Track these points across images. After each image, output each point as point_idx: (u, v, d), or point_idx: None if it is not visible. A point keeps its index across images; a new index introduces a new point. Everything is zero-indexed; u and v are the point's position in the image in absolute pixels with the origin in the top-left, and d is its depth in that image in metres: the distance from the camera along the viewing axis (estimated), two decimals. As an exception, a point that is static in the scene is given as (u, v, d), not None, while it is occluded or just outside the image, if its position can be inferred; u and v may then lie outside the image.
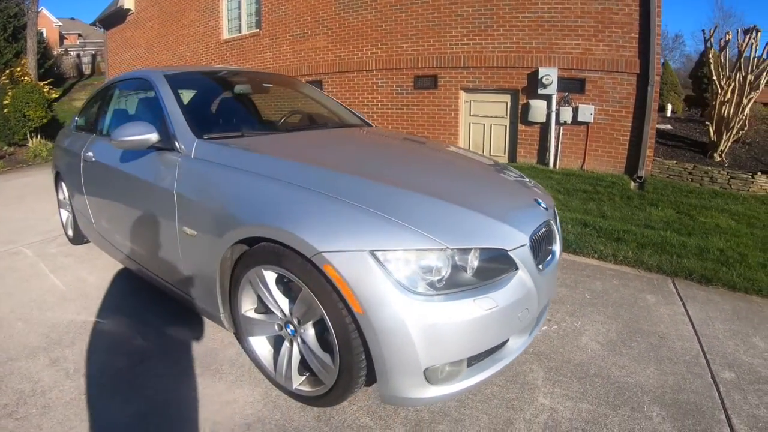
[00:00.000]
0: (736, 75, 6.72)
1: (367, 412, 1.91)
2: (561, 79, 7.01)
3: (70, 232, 4.00)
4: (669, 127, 9.01)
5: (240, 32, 10.84)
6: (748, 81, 6.64)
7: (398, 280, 1.48)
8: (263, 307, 1.96)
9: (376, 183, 1.80)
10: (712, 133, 7.24)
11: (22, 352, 2.36)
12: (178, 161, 2.23)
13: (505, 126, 7.76)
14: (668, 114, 10.38)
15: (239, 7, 10.75)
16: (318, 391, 1.81)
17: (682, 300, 3.17)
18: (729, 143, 7.18)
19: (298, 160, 2.05)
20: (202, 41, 11.49)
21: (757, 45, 6.41)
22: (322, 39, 9.24)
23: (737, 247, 4.39)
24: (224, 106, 3.21)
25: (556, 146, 7.33)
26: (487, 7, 7.27)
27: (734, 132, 7.06)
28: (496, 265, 1.63)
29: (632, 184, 6.77)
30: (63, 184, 3.92)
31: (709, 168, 6.97)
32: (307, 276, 1.62)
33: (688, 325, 2.81)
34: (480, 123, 7.96)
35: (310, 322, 1.76)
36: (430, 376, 1.55)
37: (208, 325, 2.60)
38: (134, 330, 2.57)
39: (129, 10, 13.14)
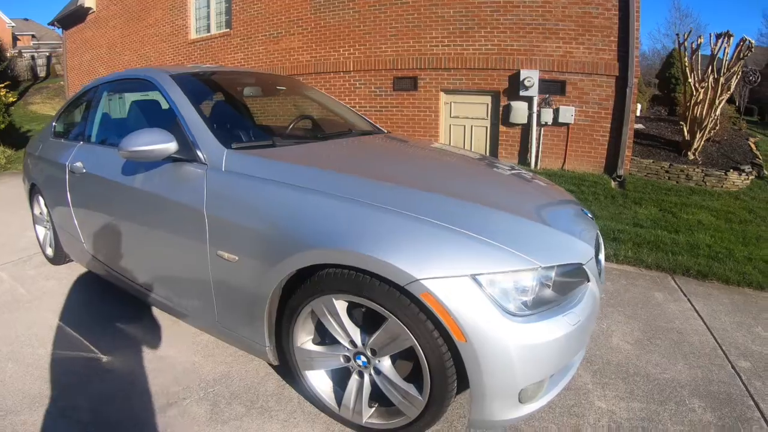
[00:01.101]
0: (708, 77, 6.90)
1: None
2: (542, 81, 7.05)
3: (49, 252, 3.64)
4: (641, 126, 9.21)
5: (209, 32, 10.47)
6: (720, 83, 6.82)
7: (500, 304, 1.42)
8: (323, 338, 1.84)
9: (456, 200, 1.70)
10: (686, 133, 7.44)
11: (20, 402, 2.03)
12: (205, 175, 1.97)
13: (486, 127, 7.75)
14: (638, 113, 10.64)
15: (208, 6, 10.37)
16: (395, 423, 1.71)
17: (686, 296, 3.33)
18: (702, 142, 7.38)
19: (358, 175, 1.86)
20: (168, 41, 11.04)
21: (729, 49, 6.60)
22: (297, 39, 9.01)
23: (722, 242, 4.60)
24: (242, 111, 2.96)
25: (537, 147, 7.37)
26: (468, 9, 7.23)
27: (707, 131, 7.26)
28: (573, 279, 1.61)
29: (613, 183, 6.88)
30: (40, 198, 3.53)
31: (685, 166, 7.16)
32: (395, 305, 1.49)
33: (698, 319, 2.95)
34: (461, 124, 7.93)
35: (389, 353, 1.64)
36: (522, 395, 1.51)
37: (236, 356, 2.38)
38: (152, 365, 2.30)
39: (90, 8, 12.47)
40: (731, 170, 7.04)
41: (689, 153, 7.43)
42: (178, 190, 2.05)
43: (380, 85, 8.26)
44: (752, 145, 9.03)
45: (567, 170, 7.27)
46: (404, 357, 1.66)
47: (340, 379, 1.85)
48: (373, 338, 1.63)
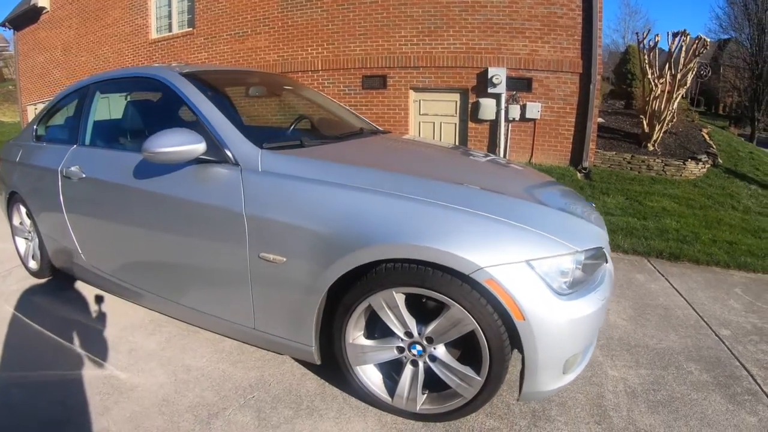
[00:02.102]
0: (666, 73, 7.22)
1: (486, 415, 1.93)
2: (509, 79, 7.22)
3: (33, 265, 3.41)
4: (602, 120, 9.54)
5: (171, 31, 10.19)
6: (677, 79, 7.15)
7: (550, 285, 1.56)
8: (371, 333, 1.89)
9: (498, 195, 1.82)
10: (645, 126, 7.76)
11: (37, 430, 1.88)
12: (241, 176, 1.93)
13: (455, 124, 7.88)
14: (598, 107, 11.00)
15: (169, 5, 10.09)
16: (450, 407, 1.78)
17: (664, 276, 3.63)
18: (660, 134, 7.72)
19: (399, 173, 1.92)
20: (128, 41, 10.68)
21: (685, 46, 6.91)
22: (264, 38, 8.89)
23: (688, 226, 4.96)
24: (257, 110, 2.91)
25: (506, 142, 7.54)
26: (437, 8, 7.32)
27: (665, 124, 7.60)
28: (596, 261, 1.75)
29: (579, 175, 7.13)
30: (21, 207, 3.33)
31: (645, 157, 7.48)
32: (458, 293, 1.59)
33: (678, 296, 3.28)
34: (430, 121, 8.03)
35: (448, 340, 1.72)
36: (565, 366, 1.66)
37: (264, 360, 2.35)
38: (180, 378, 2.21)
39: (43, 8, 11.88)
40: (689, 160, 7.40)
41: (649, 144, 7.76)
42: (206, 192, 2.00)
43: (349, 84, 8.26)
44: (705, 136, 9.49)
45: (534, 163, 7.48)
46: (452, 344, 1.76)
47: (389, 371, 1.91)
48: (432, 327, 1.70)
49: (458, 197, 1.70)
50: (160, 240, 2.28)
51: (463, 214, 1.61)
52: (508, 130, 7.48)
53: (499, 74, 7.11)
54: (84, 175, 2.57)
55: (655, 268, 3.79)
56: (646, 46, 7.37)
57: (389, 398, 1.88)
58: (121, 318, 2.79)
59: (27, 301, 3.10)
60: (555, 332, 1.56)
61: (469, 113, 7.64)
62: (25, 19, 12.58)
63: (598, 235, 1.84)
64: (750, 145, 13.30)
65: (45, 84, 12.56)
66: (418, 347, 1.75)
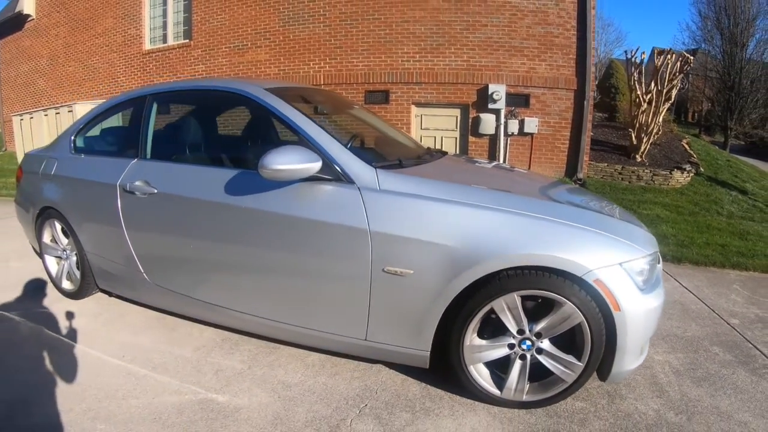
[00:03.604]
0: (653, 89, 7.87)
1: (573, 399, 2.26)
2: (508, 95, 7.78)
3: (68, 285, 3.34)
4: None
5: (165, 42, 10.39)
6: (663, 94, 7.82)
7: (635, 282, 1.95)
8: (485, 332, 2.12)
9: (585, 210, 2.23)
10: (633, 138, 8.41)
11: None
12: (360, 194, 2.09)
13: (456, 138, 8.38)
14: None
15: (164, 16, 10.31)
16: (551, 392, 2.10)
17: (672, 277, 4.17)
18: (647, 146, 8.38)
19: (498, 190, 2.29)
20: (119, 51, 10.81)
21: (670, 63, 7.59)
22: (264, 52, 9.21)
23: (682, 231, 5.61)
24: (344, 129, 3.01)
25: (505, 155, 8.07)
26: (439, 26, 7.83)
27: (652, 136, 8.27)
28: (655, 262, 2.13)
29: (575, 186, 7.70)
30: (56, 224, 3.26)
31: (635, 168, 8.12)
32: (569, 292, 1.93)
33: (689, 293, 3.80)
34: (431, 136, 8.49)
35: (556, 334, 2.03)
36: (641, 349, 2.08)
37: (359, 369, 2.48)
38: (284, 395, 2.27)
39: (29, 16, 11.89)
40: (675, 169, 8.07)
41: (637, 156, 8.42)
42: (320, 209, 2.12)
43: (352, 99, 8.66)
44: (686, 146, 10.25)
45: (533, 176, 8.02)
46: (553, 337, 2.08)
47: (494, 367, 2.18)
48: (543, 323, 2.01)
49: (557, 212, 2.08)
50: (257, 256, 2.35)
51: (567, 227, 1.98)
52: (507, 144, 8.01)
53: (499, 90, 7.65)
54: (156, 191, 2.59)
55: (663, 270, 4.34)
56: (634, 64, 8.01)
57: (498, 392, 2.13)
58: (189, 339, 2.81)
59: (73, 326, 2.98)
60: (638, 321, 1.94)
61: (469, 128, 8.15)
62: (8, 26, 12.53)
63: (653, 240, 2.25)
64: (725, 153, 14.25)
65: (29, 94, 12.53)
66: (528, 342, 2.06)
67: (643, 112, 8.13)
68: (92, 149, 3.30)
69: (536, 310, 2.07)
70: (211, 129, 3.15)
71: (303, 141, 2.26)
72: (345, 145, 2.25)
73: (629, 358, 2.02)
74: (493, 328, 2.11)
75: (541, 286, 1.95)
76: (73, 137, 3.30)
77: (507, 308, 2.00)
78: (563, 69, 7.57)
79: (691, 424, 2.12)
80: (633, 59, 7.96)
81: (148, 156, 2.80)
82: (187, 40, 10.01)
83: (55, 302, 3.31)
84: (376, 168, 2.17)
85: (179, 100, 3.19)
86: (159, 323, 3.00)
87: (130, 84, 10.65)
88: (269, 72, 9.22)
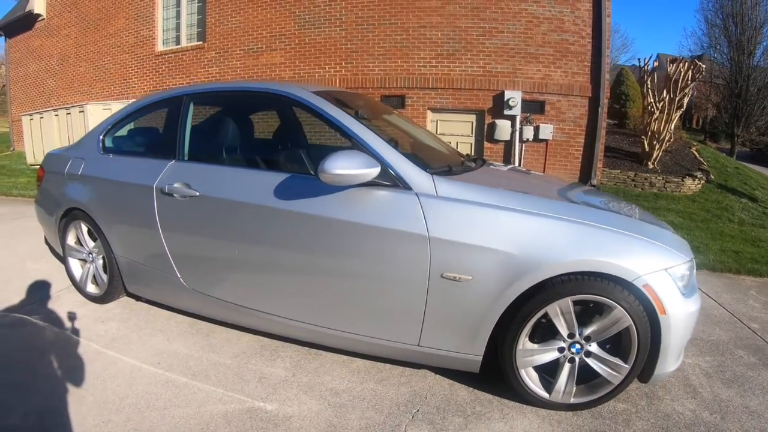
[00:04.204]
0: (665, 97, 8.05)
1: (615, 401, 2.34)
2: (524, 101, 7.97)
3: (93, 289, 3.28)
4: (601, 137, 10.39)
5: (179, 44, 10.55)
6: (675, 102, 8.00)
7: (678, 287, 2.06)
8: (535, 337, 2.19)
9: (630, 218, 2.34)
10: (646, 146, 8.59)
11: None
12: (419, 200, 2.13)
13: (471, 143, 8.54)
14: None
15: (178, 17, 10.46)
16: (598, 394, 2.20)
17: None
18: (660, 153, 8.56)
19: (549, 198, 2.35)
20: (131, 52, 10.96)
21: (682, 71, 7.78)
22: (279, 55, 9.37)
23: (696, 238, 5.76)
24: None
25: (519, 161, 8.24)
26: (455, 32, 8.01)
27: (664, 144, 8.45)
28: (693, 268, 2.24)
29: (588, 194, 7.87)
30: (82, 226, 3.21)
31: (648, 174, 8.30)
32: (620, 296, 2.02)
33: (709, 299, 3.89)
34: (446, 141, 8.57)
35: (606, 337, 2.12)
36: (680, 352, 2.19)
37: (405, 375, 2.53)
38: (333, 401, 2.27)
39: (39, 15, 12.03)
40: (686, 177, 8.26)
41: (649, 163, 8.60)
42: (377, 215, 2.16)
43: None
44: (695, 153, 10.44)
45: (546, 181, 8.19)
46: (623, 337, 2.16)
47: (542, 370, 2.24)
48: (593, 327, 2.10)
49: (606, 219, 2.16)
50: (308, 261, 2.35)
51: (618, 234, 2.07)
52: (522, 150, 8.18)
53: (515, 97, 7.83)
54: (197, 193, 2.57)
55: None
56: (647, 72, 8.20)
57: (547, 394, 2.21)
58: (226, 345, 2.77)
59: (102, 332, 2.91)
60: (681, 324, 2.05)
61: (485, 134, 8.33)
62: (18, 26, 12.67)
63: (688, 247, 2.35)
64: (733, 160, 14.47)
65: (38, 94, 12.67)
66: (578, 345, 2.14)
67: (655, 120, 8.31)
68: (123, 149, 3.27)
69: (582, 314, 2.15)
70: (252, 132, 3.23)
71: (357, 146, 2.27)
72: (399, 151, 2.29)
73: (670, 360, 2.13)
74: (542, 332, 2.19)
75: (593, 291, 2.03)
76: (101, 137, 3.25)
77: (560, 312, 2.08)
78: (578, 76, 7.76)
79: (725, 422, 2.26)
80: (646, 67, 8.15)
81: (186, 158, 2.80)
82: (201, 42, 10.17)
83: (79, 306, 3.22)
84: (432, 175, 2.22)
85: (219, 101, 3.17)
86: (192, 329, 2.96)
87: (142, 85, 10.80)
88: (284, 75, 9.38)
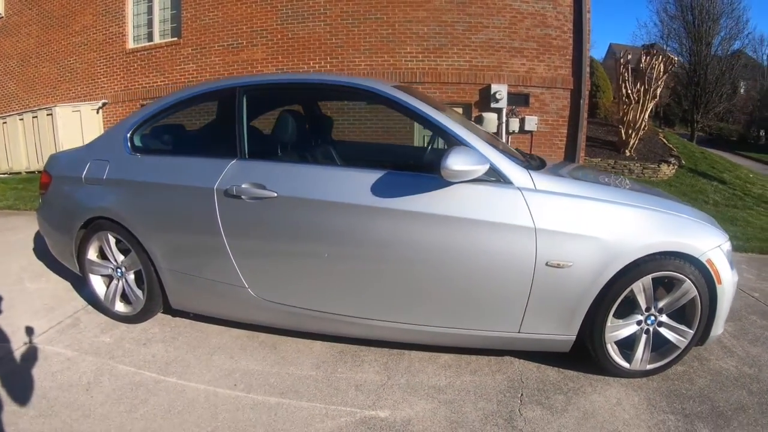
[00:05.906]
0: (640, 88, 8.70)
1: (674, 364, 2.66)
2: (509, 94, 8.44)
3: (122, 307, 3.03)
4: (577, 127, 11.03)
5: (151, 40, 10.44)
6: (650, 92, 8.66)
7: (728, 260, 2.45)
8: (617, 313, 2.43)
9: (684, 204, 2.72)
10: (623, 134, 9.25)
11: None
12: (522, 194, 2.30)
13: (457, 135, 8.91)
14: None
15: (150, 13, 10.34)
16: (667, 359, 2.52)
17: None
18: (636, 141, 9.22)
19: (625, 189, 2.66)
20: (99, 50, 10.73)
21: (658, 65, 8.43)
22: (261, 50, 9.44)
23: None
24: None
25: (505, 152, 8.69)
26: (442, 26, 8.39)
27: (640, 132, 9.11)
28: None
29: (572, 182, 8.43)
30: (109, 237, 2.94)
31: (626, 162, 8.95)
32: (688, 271, 2.35)
33: None
34: (432, 133, 9.00)
35: (675, 308, 2.44)
36: (726, 317, 2.55)
37: (492, 363, 2.66)
38: (437, 396, 2.34)
39: (-4, 13, 11.65)
40: (662, 163, 8.96)
41: (626, 151, 9.27)
42: (483, 209, 2.30)
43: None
44: (664, 140, 11.24)
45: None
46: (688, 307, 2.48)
47: (620, 344, 2.51)
48: (667, 299, 2.42)
49: (671, 206, 2.52)
50: (409, 259, 2.39)
51: (683, 219, 2.46)
52: (508, 141, 8.63)
53: (501, 90, 8.28)
54: (275, 194, 2.45)
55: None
56: (623, 65, 8.83)
57: (627, 364, 2.51)
58: (300, 356, 2.67)
59: (150, 357, 2.64)
60: (730, 291, 2.43)
61: (472, 125, 8.71)
62: (-28, 24, 12.17)
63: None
64: (697, 146, 15.50)
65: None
66: (652, 317, 2.47)
67: (631, 110, 8.95)
68: (158, 149, 3.10)
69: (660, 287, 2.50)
70: (331, 128, 3.35)
71: (456, 143, 2.35)
72: (498, 148, 2.47)
73: (720, 323, 2.51)
74: (622, 309, 2.45)
75: (669, 268, 2.36)
76: (129, 134, 2.97)
77: (643, 289, 2.39)
78: (560, 69, 8.28)
79: (762, 373, 2.69)
80: (621, 60, 8.77)
81: (250, 156, 2.64)
82: (176, 38, 10.09)
83: (109, 329, 2.93)
84: (529, 170, 2.41)
85: (279, 96, 3.14)
86: (253, 342, 2.81)
87: (112, 85, 10.63)
88: (266, 71, 9.46)
